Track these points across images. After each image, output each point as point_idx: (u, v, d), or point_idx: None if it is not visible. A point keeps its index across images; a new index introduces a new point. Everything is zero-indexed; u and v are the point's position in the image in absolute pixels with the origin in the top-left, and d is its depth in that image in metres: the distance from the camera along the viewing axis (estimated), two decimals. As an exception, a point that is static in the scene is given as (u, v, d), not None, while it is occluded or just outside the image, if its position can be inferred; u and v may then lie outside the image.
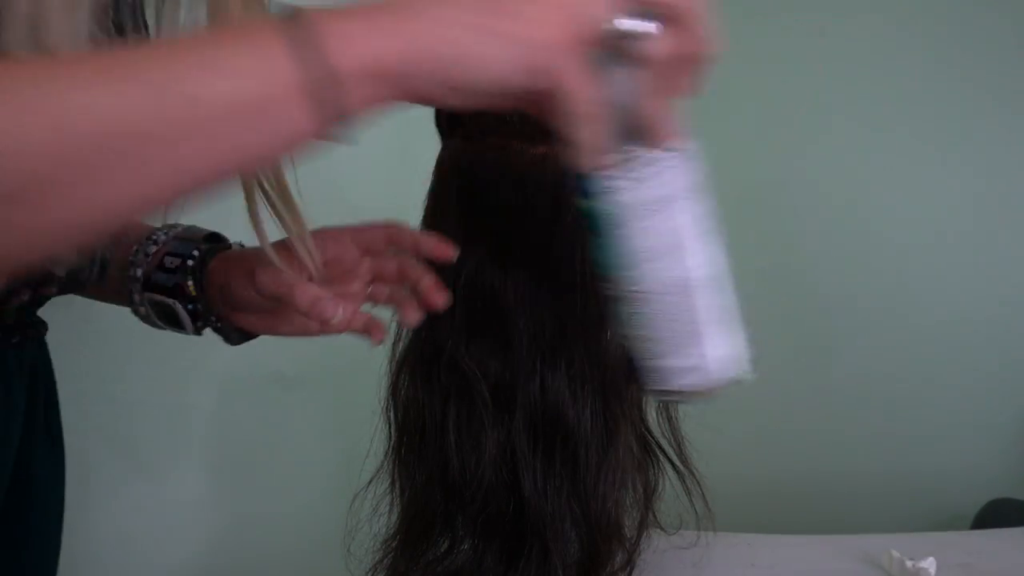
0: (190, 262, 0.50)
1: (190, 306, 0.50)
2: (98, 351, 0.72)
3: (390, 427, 0.51)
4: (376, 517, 0.52)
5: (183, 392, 0.77)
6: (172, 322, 0.51)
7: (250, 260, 0.47)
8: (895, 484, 1.28)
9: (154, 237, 0.52)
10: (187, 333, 0.52)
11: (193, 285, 0.49)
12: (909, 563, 0.57)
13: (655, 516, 0.52)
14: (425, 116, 0.51)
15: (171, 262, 0.50)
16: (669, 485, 0.52)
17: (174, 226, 0.53)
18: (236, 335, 0.52)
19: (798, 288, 1.32)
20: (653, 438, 0.52)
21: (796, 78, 1.33)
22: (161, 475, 0.78)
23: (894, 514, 1.26)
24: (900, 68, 1.25)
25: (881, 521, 1.23)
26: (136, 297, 0.51)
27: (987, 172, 1.21)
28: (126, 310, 0.53)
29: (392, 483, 0.51)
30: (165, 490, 0.79)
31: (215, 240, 0.53)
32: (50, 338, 0.68)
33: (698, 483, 0.52)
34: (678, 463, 0.52)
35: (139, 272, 0.51)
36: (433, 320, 0.47)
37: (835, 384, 1.31)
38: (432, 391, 0.47)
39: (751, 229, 1.35)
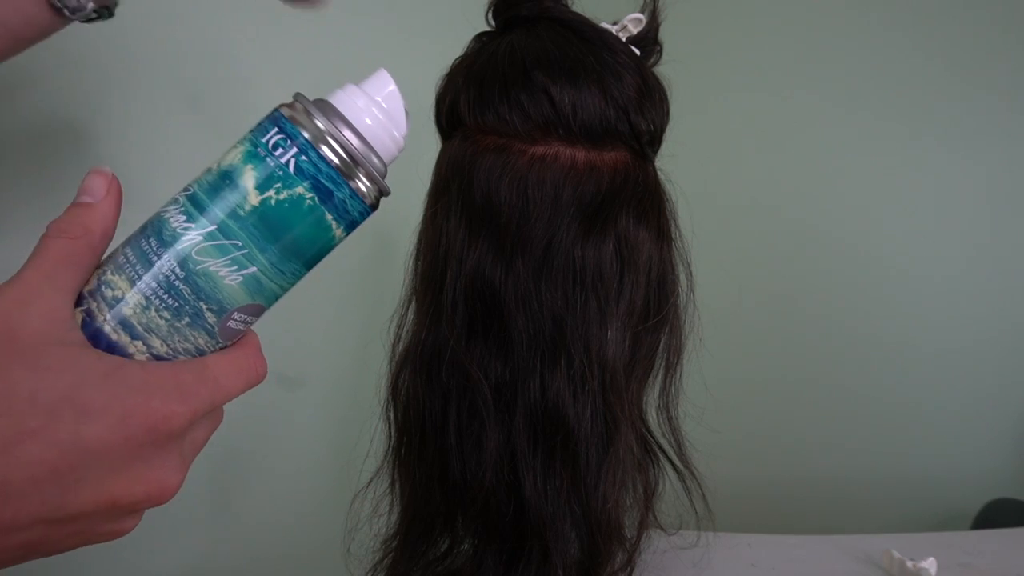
0: None
1: None
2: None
3: (390, 427, 0.51)
4: (376, 517, 0.52)
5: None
6: None
7: None
8: (895, 484, 1.28)
9: None
10: None
11: None
12: (909, 563, 0.57)
13: (655, 516, 0.52)
14: (425, 116, 0.51)
15: None
16: (669, 485, 0.52)
17: None
18: None
19: (799, 290, 1.32)
20: (653, 438, 0.52)
21: (794, 82, 1.33)
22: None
23: (894, 514, 1.26)
24: (898, 70, 1.24)
25: (881, 521, 1.23)
26: None
27: (985, 172, 1.21)
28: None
29: (392, 483, 0.51)
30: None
31: None
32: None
33: (698, 483, 0.52)
34: (678, 463, 0.52)
35: None
36: (434, 320, 0.47)
37: (836, 384, 1.31)
38: (432, 391, 0.47)
39: (754, 234, 1.35)
